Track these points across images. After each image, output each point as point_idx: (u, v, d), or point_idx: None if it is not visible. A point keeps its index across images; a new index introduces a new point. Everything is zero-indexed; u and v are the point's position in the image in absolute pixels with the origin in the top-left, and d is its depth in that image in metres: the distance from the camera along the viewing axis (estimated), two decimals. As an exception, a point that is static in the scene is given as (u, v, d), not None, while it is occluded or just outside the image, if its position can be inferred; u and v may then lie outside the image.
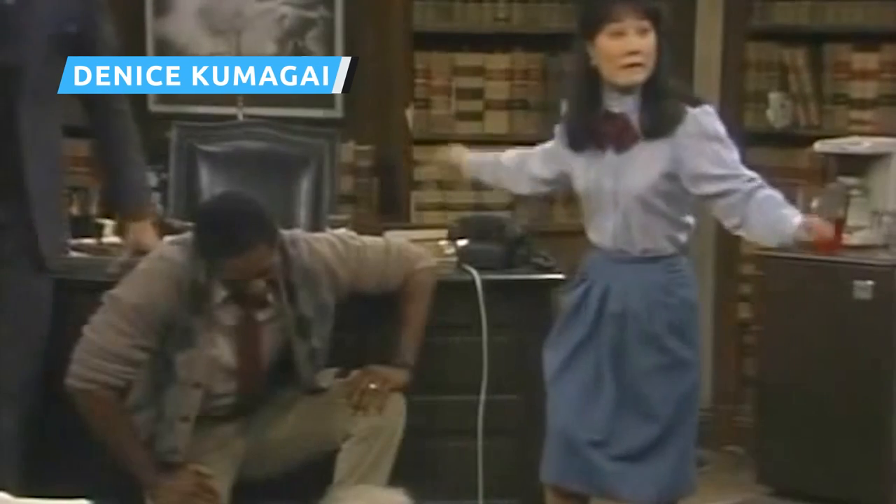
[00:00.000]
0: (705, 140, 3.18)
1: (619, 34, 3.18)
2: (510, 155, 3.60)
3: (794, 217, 3.13)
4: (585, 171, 3.30)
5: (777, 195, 3.18)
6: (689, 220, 3.31)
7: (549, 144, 3.47)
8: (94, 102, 3.72)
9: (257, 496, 3.59)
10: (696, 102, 3.25)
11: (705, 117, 3.21)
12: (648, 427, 3.28)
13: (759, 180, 3.19)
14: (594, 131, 3.26)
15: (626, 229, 3.27)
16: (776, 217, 3.14)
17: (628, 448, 3.28)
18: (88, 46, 3.64)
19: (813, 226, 3.10)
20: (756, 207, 3.15)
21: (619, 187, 3.24)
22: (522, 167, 3.54)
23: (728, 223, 3.24)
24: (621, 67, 3.18)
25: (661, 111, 3.18)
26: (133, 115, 3.81)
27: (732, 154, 3.21)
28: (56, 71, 3.60)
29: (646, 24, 3.17)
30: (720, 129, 3.22)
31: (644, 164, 3.21)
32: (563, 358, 3.34)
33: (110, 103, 3.73)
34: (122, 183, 3.79)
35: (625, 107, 3.22)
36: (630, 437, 3.28)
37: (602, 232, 3.31)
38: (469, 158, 3.71)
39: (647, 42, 3.17)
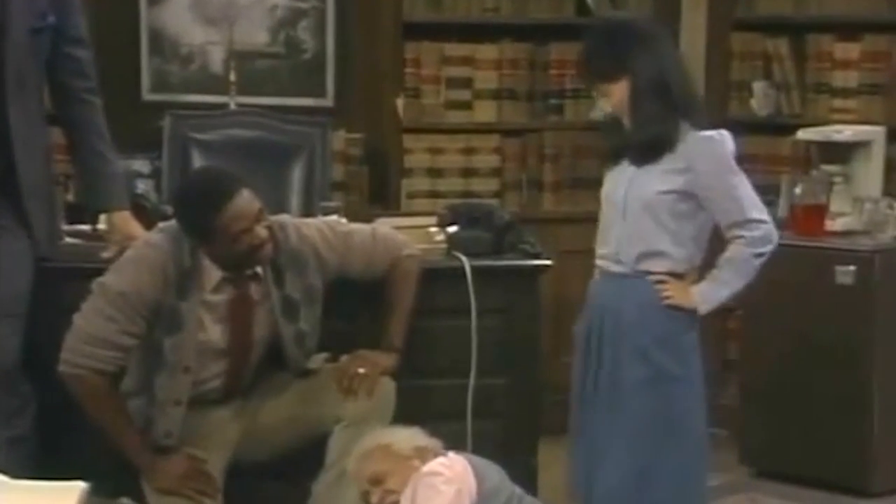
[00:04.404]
0: (718, 171, 3.34)
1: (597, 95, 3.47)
2: None
3: (704, 283, 3.39)
4: (609, 181, 3.47)
5: (736, 254, 3.36)
6: (693, 254, 3.41)
7: None
8: (60, 90, 3.74)
9: (251, 478, 3.63)
10: (703, 125, 3.39)
11: (720, 147, 3.35)
12: (629, 462, 3.38)
13: (752, 227, 3.35)
14: (623, 148, 3.44)
15: (629, 240, 3.39)
16: (709, 274, 3.41)
17: (607, 487, 3.40)
18: (61, 36, 3.66)
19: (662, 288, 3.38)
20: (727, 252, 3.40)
21: (629, 195, 3.38)
22: None
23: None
24: None
25: (639, 140, 3.36)
26: (126, 104, 3.82)
27: (744, 189, 3.37)
28: (38, 62, 3.64)
29: (602, 87, 3.41)
30: (732, 158, 3.37)
31: (656, 176, 3.35)
32: (577, 392, 3.51)
33: (77, 92, 3.74)
34: (88, 176, 3.79)
35: None
36: (606, 477, 3.40)
37: (607, 243, 3.44)
38: None
39: (612, 100, 3.41)
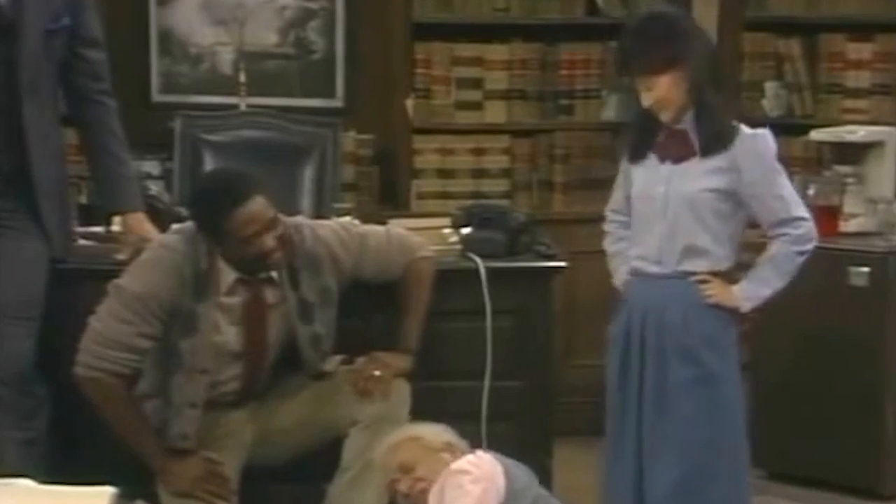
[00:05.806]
0: (764, 169, 3.35)
1: (639, 88, 3.37)
2: (614, 246, 3.59)
3: (746, 282, 3.40)
4: (641, 179, 3.43)
5: (779, 252, 3.37)
6: (729, 253, 3.41)
7: (618, 187, 3.57)
8: (74, 92, 3.73)
9: (266, 480, 3.63)
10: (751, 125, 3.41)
11: (764, 144, 3.37)
12: (682, 463, 3.37)
13: (797, 225, 3.37)
14: (656, 144, 3.40)
15: (671, 238, 3.37)
16: (751, 273, 3.42)
17: (666, 488, 3.38)
18: (75, 37, 3.66)
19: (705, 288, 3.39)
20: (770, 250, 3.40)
21: (670, 192, 3.36)
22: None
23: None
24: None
25: (710, 130, 3.34)
26: (136, 106, 3.81)
27: (788, 187, 3.40)
28: (52, 64, 3.64)
29: (651, 80, 3.33)
30: (775, 156, 3.39)
31: (699, 174, 3.35)
32: (615, 394, 3.48)
33: (91, 94, 3.74)
34: (102, 177, 3.79)
35: (684, 124, 3.38)
36: (660, 481, 3.38)
37: (646, 244, 3.42)
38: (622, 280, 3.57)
39: (656, 93, 3.33)
